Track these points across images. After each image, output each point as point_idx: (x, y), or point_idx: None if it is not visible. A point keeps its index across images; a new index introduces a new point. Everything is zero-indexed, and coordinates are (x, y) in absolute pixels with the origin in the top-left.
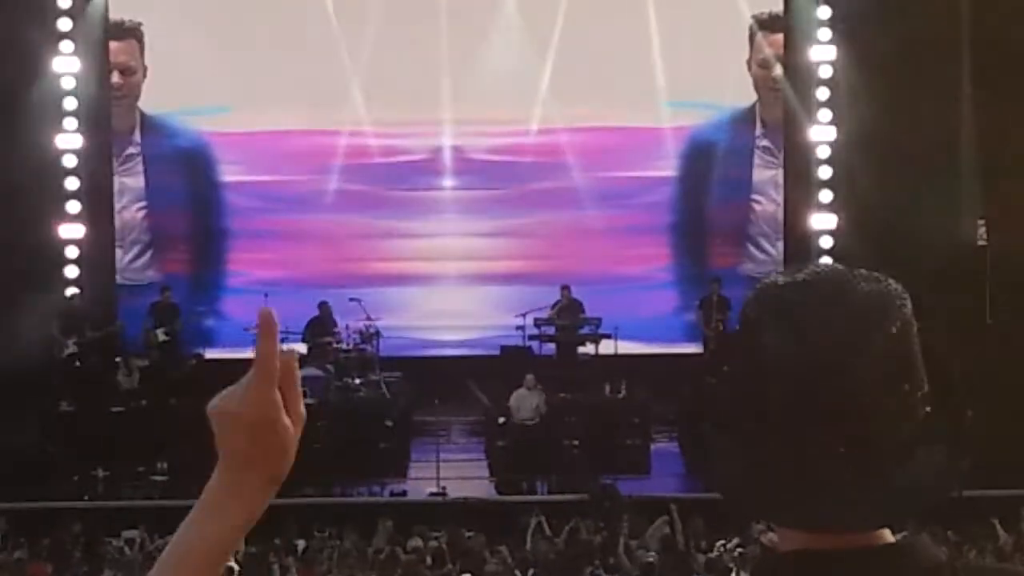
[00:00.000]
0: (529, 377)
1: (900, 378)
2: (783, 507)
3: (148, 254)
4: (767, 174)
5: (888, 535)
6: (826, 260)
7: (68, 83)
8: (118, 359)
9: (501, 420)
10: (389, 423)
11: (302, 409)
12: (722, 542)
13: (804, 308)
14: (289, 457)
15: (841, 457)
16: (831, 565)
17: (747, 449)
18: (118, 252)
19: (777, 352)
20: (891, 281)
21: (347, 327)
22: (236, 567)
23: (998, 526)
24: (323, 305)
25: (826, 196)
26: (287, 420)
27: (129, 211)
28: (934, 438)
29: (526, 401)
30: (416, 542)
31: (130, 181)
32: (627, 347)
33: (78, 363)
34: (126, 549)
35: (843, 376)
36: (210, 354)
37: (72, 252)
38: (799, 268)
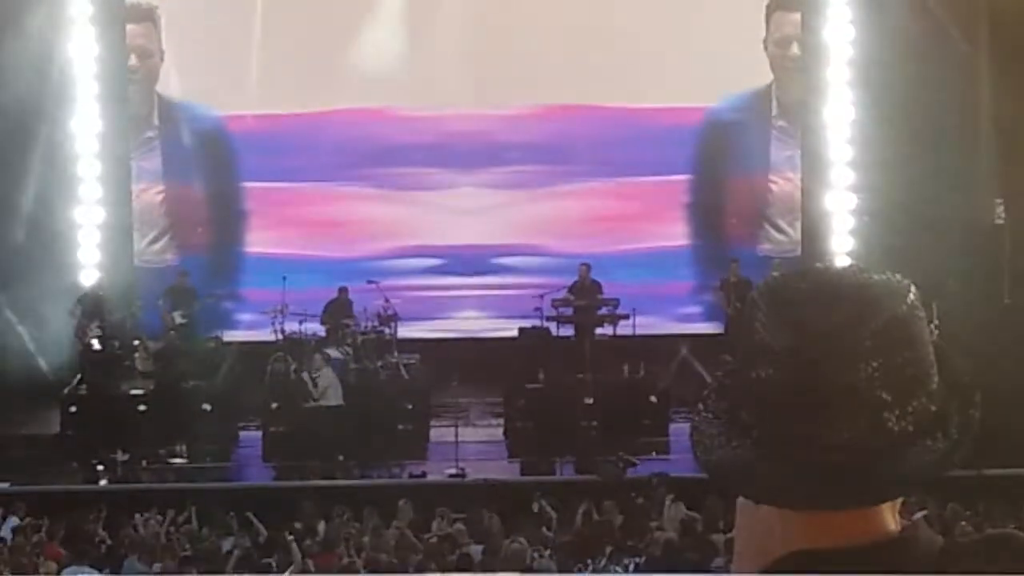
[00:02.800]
0: (318, 356)
1: (893, 370)
2: (768, 487)
3: (166, 237)
4: (784, 154)
5: (890, 525)
6: (844, 241)
7: (85, 66)
8: (136, 342)
9: (520, 401)
10: (408, 405)
11: None
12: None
13: (798, 297)
14: None
15: (825, 443)
16: (834, 563)
17: (742, 437)
18: (136, 235)
19: (771, 338)
20: (898, 277)
21: (365, 310)
22: (255, 550)
23: None
24: (342, 289)
25: (843, 176)
26: None
27: (147, 195)
28: (935, 439)
29: (333, 383)
30: (436, 523)
31: (148, 165)
32: (645, 328)
33: (99, 347)
34: (145, 532)
35: (829, 362)
36: (228, 336)
37: (90, 235)
38: (811, 265)
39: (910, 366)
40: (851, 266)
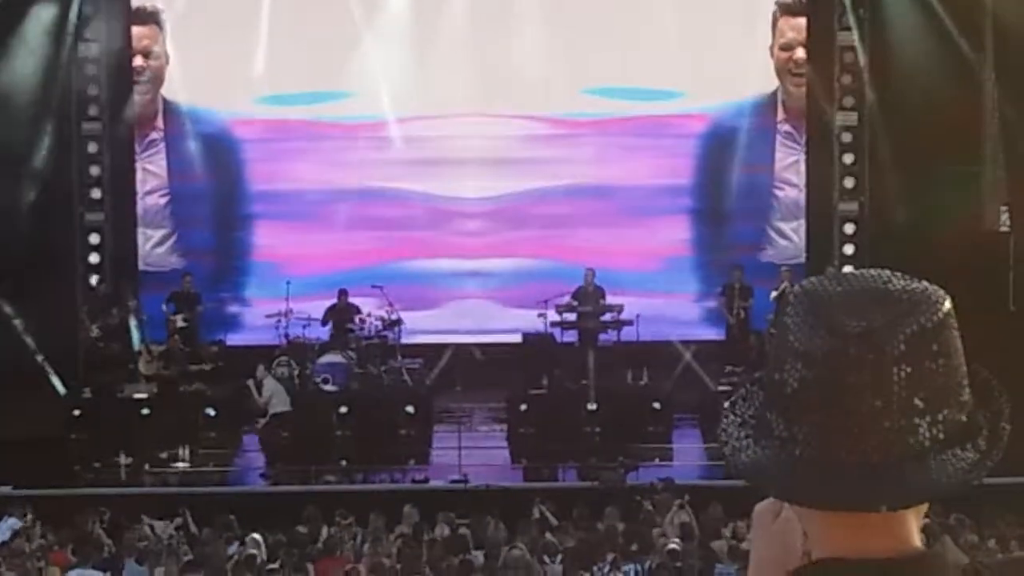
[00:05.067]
0: (260, 367)
1: (928, 375)
2: (798, 487)
3: (170, 240)
4: (789, 160)
5: (916, 539)
6: (849, 248)
7: (91, 69)
8: (140, 346)
9: (523, 407)
10: (410, 410)
11: None
12: (742, 524)
13: (835, 301)
14: None
15: (859, 445)
16: (861, 574)
17: (773, 439)
18: (140, 238)
19: (804, 341)
20: (934, 287)
21: (369, 314)
22: (264, 556)
23: None
24: (342, 293)
25: (848, 182)
26: None
27: (152, 197)
28: (966, 448)
29: (278, 391)
30: (439, 529)
31: (153, 168)
32: (649, 334)
33: (103, 350)
34: (149, 535)
35: (868, 367)
36: (232, 340)
37: (94, 238)
38: (850, 270)
39: (942, 374)
40: (886, 272)
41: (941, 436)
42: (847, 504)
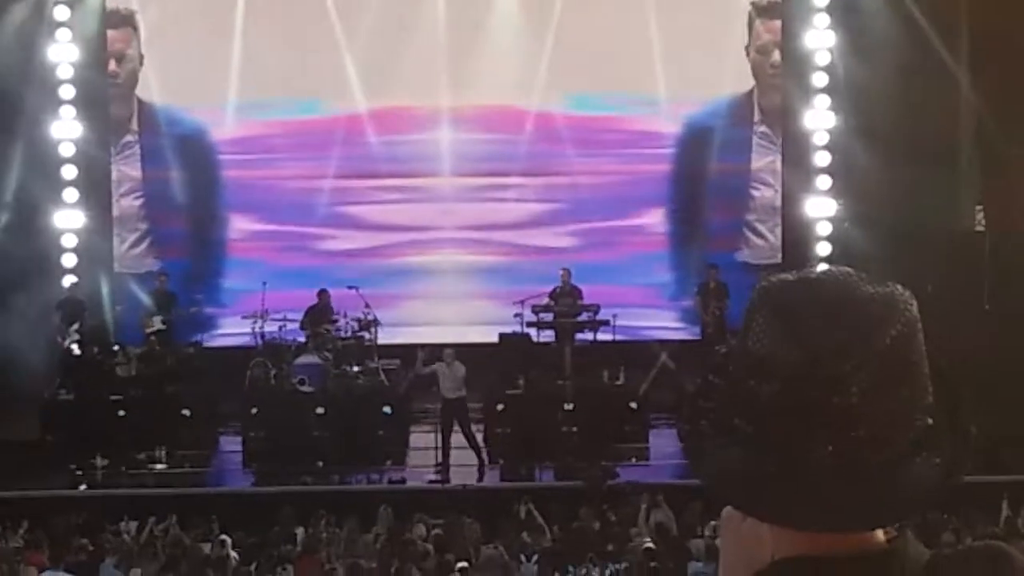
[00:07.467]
0: (448, 351)
1: (897, 385)
2: (771, 505)
3: (146, 242)
4: (765, 160)
5: (879, 536)
6: (825, 248)
7: (65, 71)
8: (116, 347)
9: (500, 407)
10: (387, 410)
11: None
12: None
13: (803, 309)
14: None
15: (830, 461)
16: (822, 572)
17: (739, 447)
18: (116, 240)
19: (773, 352)
20: (898, 287)
21: (345, 315)
22: (235, 555)
23: (1005, 507)
24: (322, 293)
25: (824, 182)
26: None
27: (127, 199)
28: (933, 451)
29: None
30: (416, 529)
31: (128, 169)
32: (625, 334)
33: (78, 352)
34: (125, 537)
35: (837, 381)
36: (209, 342)
37: (70, 240)
38: (809, 270)
39: (909, 383)
40: (850, 275)
41: (909, 445)
42: (816, 525)
